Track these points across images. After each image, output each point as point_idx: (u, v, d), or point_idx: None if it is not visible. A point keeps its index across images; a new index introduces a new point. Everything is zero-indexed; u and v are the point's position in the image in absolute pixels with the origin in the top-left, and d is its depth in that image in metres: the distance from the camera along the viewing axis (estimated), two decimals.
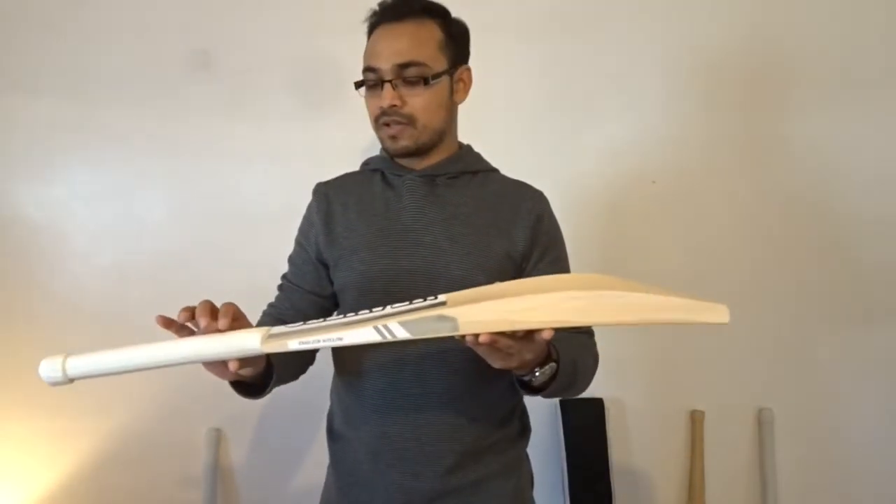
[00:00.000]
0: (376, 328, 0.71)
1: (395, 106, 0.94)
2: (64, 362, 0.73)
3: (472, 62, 1.04)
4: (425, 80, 0.95)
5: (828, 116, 1.71)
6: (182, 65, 1.65)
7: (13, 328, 1.66)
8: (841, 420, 1.75)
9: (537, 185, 1.07)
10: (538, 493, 1.11)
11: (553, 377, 0.85)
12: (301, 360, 1.02)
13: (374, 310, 0.74)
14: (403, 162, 1.02)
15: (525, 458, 1.09)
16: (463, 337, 0.70)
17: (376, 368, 0.98)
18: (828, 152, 1.72)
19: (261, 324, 1.00)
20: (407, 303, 0.73)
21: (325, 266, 1.03)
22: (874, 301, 1.74)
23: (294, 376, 1.02)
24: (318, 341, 0.73)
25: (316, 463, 1.68)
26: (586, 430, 1.68)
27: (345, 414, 1.04)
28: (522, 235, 0.99)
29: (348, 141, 1.62)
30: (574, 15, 1.69)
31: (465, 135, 1.08)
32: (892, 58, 1.71)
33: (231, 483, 1.71)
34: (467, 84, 1.03)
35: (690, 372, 1.75)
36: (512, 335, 0.71)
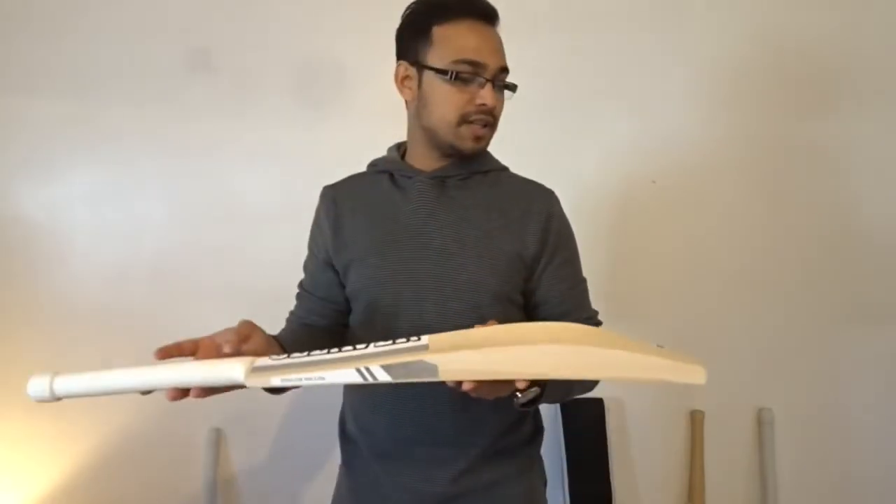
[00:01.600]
0: (358, 370, 0.70)
1: (494, 108, 0.94)
2: (52, 381, 0.75)
3: None
4: (514, 89, 0.98)
5: (827, 115, 1.72)
6: (182, 64, 1.65)
7: (13, 328, 1.65)
8: (841, 420, 1.75)
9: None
10: None
11: (539, 396, 0.83)
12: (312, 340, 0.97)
13: (357, 347, 0.73)
14: (415, 163, 1.00)
15: (537, 459, 1.07)
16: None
17: None
18: (827, 152, 1.72)
19: (283, 331, 0.99)
20: (390, 342, 0.73)
21: (336, 272, 1.00)
22: (874, 301, 1.74)
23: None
24: (301, 379, 0.71)
25: (316, 463, 1.69)
26: (586, 430, 1.68)
27: (355, 416, 1.03)
28: (533, 237, 0.97)
29: (349, 141, 1.61)
30: (575, 16, 1.70)
31: None
32: (892, 57, 1.71)
33: (231, 483, 1.71)
34: None
35: None
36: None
